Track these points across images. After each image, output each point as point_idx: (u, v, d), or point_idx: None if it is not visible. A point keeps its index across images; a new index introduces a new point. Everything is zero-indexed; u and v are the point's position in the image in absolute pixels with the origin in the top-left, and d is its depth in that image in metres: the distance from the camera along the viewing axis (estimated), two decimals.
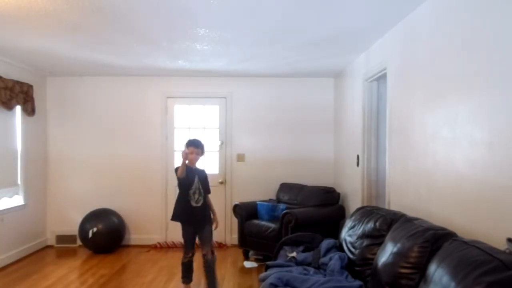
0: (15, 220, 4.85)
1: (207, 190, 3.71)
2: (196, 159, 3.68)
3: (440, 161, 2.49)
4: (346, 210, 4.87)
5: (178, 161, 5.51)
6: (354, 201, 4.51)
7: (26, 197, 5.08)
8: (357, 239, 2.85)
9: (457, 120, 2.29)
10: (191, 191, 3.59)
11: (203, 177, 3.71)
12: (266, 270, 2.95)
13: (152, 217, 5.63)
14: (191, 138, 3.77)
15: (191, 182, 3.60)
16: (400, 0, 2.72)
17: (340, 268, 2.74)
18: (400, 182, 3.17)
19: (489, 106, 1.99)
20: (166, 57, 4.41)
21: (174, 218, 3.65)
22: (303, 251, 3.24)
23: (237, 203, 5.12)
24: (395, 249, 2.23)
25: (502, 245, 1.74)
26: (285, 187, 5.40)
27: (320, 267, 2.92)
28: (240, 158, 5.69)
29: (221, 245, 5.58)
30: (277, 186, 5.51)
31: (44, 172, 5.55)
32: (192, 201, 3.58)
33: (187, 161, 3.55)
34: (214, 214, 3.78)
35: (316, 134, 5.69)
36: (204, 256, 3.65)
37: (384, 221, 2.66)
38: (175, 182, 5.80)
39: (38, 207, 5.37)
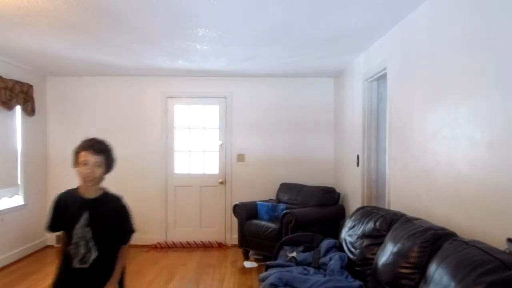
0: (15, 220, 4.85)
1: (121, 238, 2.10)
2: (95, 176, 2.04)
3: (440, 161, 2.49)
4: (346, 210, 4.87)
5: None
6: (354, 201, 4.51)
7: (26, 197, 5.08)
8: (357, 239, 2.85)
9: (457, 120, 2.29)
10: (73, 241, 2.00)
11: (112, 213, 2.08)
12: (266, 270, 2.95)
13: (152, 217, 5.63)
14: (88, 137, 2.14)
15: (70, 224, 2.00)
16: (400, 0, 2.73)
17: (340, 268, 2.75)
18: (400, 182, 3.17)
19: (489, 106, 1.99)
20: (166, 57, 4.41)
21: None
22: (303, 251, 3.24)
23: (237, 203, 5.11)
24: (395, 249, 2.23)
25: (502, 245, 1.74)
26: (285, 187, 5.40)
27: (320, 267, 2.92)
28: (240, 158, 5.68)
29: (221, 245, 5.58)
30: (277, 186, 5.51)
31: (44, 172, 5.55)
32: (74, 260, 2.00)
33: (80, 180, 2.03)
34: (113, 276, 2.06)
35: (316, 134, 5.69)
36: None
37: (384, 221, 2.66)
38: (175, 182, 5.95)
39: (38, 207, 5.36)
